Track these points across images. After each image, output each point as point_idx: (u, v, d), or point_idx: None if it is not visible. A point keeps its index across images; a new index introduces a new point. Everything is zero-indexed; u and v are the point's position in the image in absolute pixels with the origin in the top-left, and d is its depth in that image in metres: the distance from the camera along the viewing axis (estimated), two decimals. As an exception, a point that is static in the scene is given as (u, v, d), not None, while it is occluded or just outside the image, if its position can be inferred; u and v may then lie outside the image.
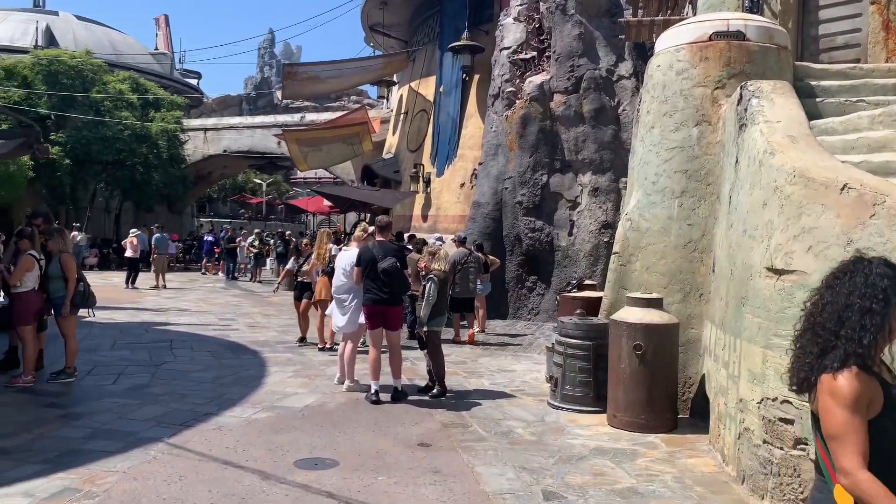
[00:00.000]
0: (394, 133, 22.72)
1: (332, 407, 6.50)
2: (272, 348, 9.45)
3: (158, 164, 27.09)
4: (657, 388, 6.01)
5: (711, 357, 5.87)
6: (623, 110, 13.03)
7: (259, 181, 56.19)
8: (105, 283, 19.00)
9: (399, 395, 6.74)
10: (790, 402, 4.21)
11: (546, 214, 13.29)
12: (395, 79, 23.58)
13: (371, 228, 7.38)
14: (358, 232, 7.39)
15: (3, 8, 34.76)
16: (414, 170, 18.91)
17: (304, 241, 10.75)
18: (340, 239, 14.02)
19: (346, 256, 7.22)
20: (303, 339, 9.92)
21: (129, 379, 7.34)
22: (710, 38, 6.83)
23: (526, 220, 13.33)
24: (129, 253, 18.44)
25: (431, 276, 6.99)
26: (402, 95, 22.18)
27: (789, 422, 4.22)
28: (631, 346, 5.99)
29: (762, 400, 4.44)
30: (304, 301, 9.86)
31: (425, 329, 6.95)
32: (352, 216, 27.86)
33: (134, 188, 26.44)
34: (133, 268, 18.14)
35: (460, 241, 10.97)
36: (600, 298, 7.75)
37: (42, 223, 7.45)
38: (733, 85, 6.52)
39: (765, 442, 4.40)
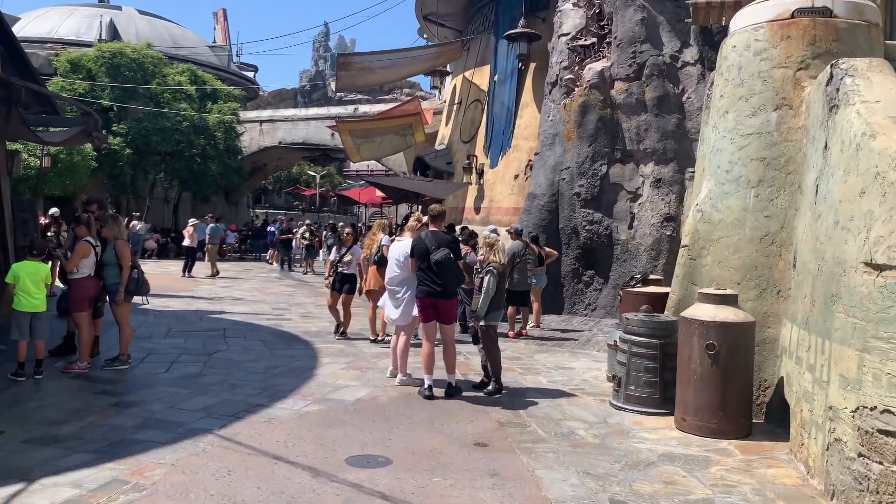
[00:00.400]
0: (447, 124, 22.45)
1: (385, 401, 6.29)
2: (324, 339, 9.32)
3: (215, 155, 27.53)
4: (731, 391, 5.59)
5: (792, 359, 5.42)
6: (688, 98, 12.46)
7: (313, 173, 56.83)
8: (162, 272, 19.36)
9: (453, 391, 6.49)
10: (892, 412, 3.78)
11: (605, 206, 12.83)
12: (448, 69, 23.30)
13: (425, 218, 7.13)
14: (412, 222, 7.15)
15: (71, 3, 35.80)
16: (467, 161, 18.61)
17: (346, 230, 10.31)
18: (392, 230, 13.90)
19: (400, 247, 6.99)
20: (342, 332, 9.51)
21: (182, 367, 7.29)
22: (792, 16, 6.33)
23: (584, 213, 12.90)
24: (186, 242, 18.73)
25: (490, 268, 6.70)
26: (455, 85, 21.89)
27: (891, 434, 3.79)
28: (703, 346, 5.59)
29: (858, 408, 4.01)
30: (345, 294, 9.48)
31: (482, 324, 6.67)
32: (403, 208, 27.79)
33: (192, 178, 26.94)
34: (190, 256, 18.41)
35: (516, 233, 10.64)
36: (666, 294, 7.33)
37: (97, 209, 7.44)
38: (818, 66, 6.02)
39: (860, 455, 3.97)
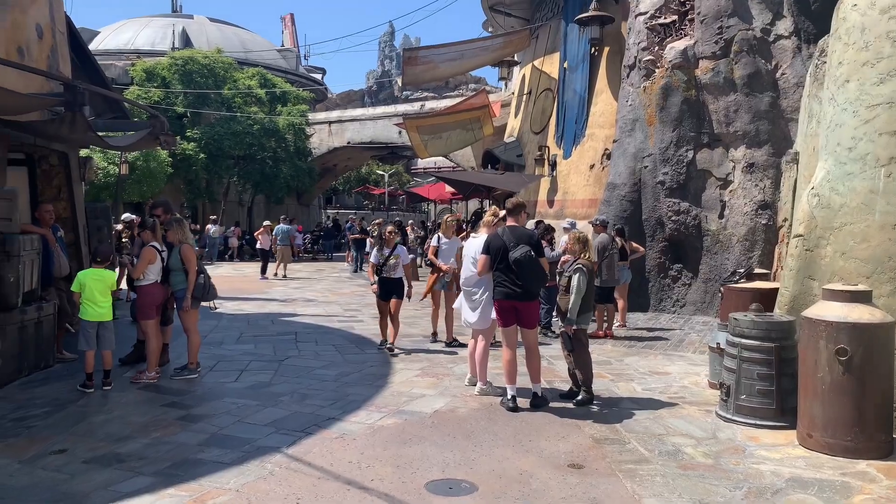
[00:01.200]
0: (516, 115, 21.77)
1: (464, 413, 5.77)
2: (400, 342, 8.89)
3: (286, 158, 27.75)
4: (867, 403, 4.80)
5: (945, 366, 4.59)
6: (782, 74, 11.41)
7: (381, 172, 57.05)
8: (237, 274, 19.51)
9: (539, 402, 5.91)
10: None
11: (692, 195, 11.93)
12: (516, 59, 22.61)
13: (502, 212, 6.56)
14: (487, 217, 6.58)
15: (146, 15, 36.93)
16: (539, 153, 17.92)
17: (388, 228, 8.82)
18: (462, 227, 13.34)
19: (475, 244, 6.44)
20: (388, 347, 8.28)
21: (252, 376, 6.98)
22: (927, -36, 5.44)
23: (669, 202, 12.03)
24: (260, 244, 18.77)
25: (579, 265, 6.09)
26: (524, 75, 21.18)
27: None
28: (832, 351, 4.82)
29: None
30: (394, 300, 8.25)
31: (574, 327, 6.07)
32: (473, 204, 27.27)
33: (264, 181, 27.24)
34: (265, 259, 18.44)
35: (602, 226, 9.94)
36: (775, 290, 6.53)
37: (162, 213, 7.22)
38: (962, 20, 5.13)
39: None
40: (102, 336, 6.31)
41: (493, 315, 6.23)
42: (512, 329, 6.01)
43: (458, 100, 27.44)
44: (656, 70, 12.45)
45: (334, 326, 10.19)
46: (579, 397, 6.08)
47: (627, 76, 13.37)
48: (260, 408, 5.80)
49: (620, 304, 10.30)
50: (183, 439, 4.96)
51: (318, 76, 40.37)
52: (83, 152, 11.21)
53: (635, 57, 13.05)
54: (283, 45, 42.66)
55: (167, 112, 25.70)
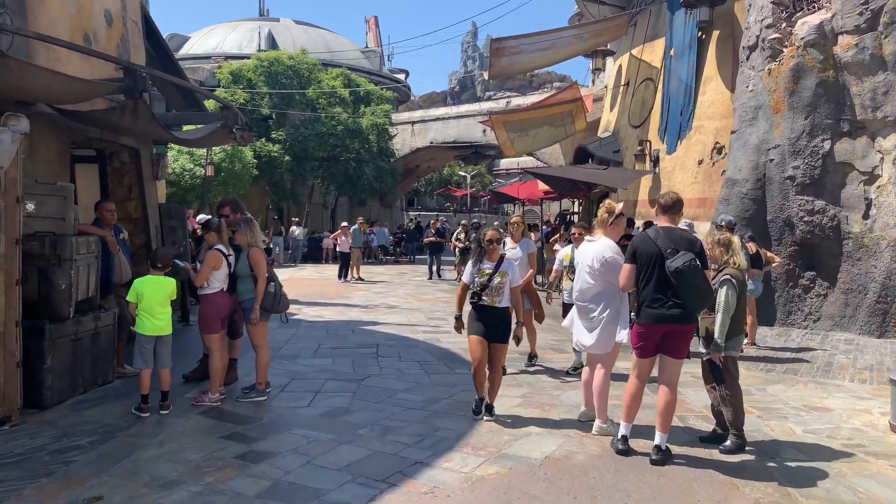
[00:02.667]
0: (611, 109, 20.33)
1: (583, 461, 4.62)
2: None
3: (369, 159, 27.25)
4: None
5: None
6: (944, 48, 9.63)
7: (463, 173, 56.26)
8: (318, 276, 18.97)
9: (663, 458, 4.56)
10: None
11: (829, 192, 10.29)
12: (609, 48, 21.14)
13: (619, 207, 5.36)
14: (602, 214, 5.37)
15: (234, 20, 37.44)
16: (639, 148, 16.44)
17: (489, 234, 5.75)
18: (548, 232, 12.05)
19: (592, 250, 5.27)
20: (487, 407, 5.69)
21: (327, 399, 6.06)
22: None
23: (800, 200, 10.43)
24: (341, 247, 18.11)
25: (726, 276, 4.84)
26: (620, 66, 19.72)
27: None
28: None
29: None
30: (498, 346, 5.51)
31: (722, 354, 4.82)
32: (564, 205, 25.83)
33: (347, 182, 26.82)
34: (344, 262, 17.82)
35: (728, 228, 8.53)
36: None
37: (230, 212, 6.42)
38: None
39: None
40: (160, 352, 5.54)
41: (620, 338, 5.05)
42: (650, 361, 4.78)
43: (543, 97, 26.19)
44: (784, 49, 10.87)
45: (418, 338, 9.21)
46: (727, 443, 4.81)
47: (747, 58, 11.82)
48: (334, 444, 4.84)
49: (749, 320, 8.86)
50: (239, 488, 4.05)
51: (400, 77, 39.90)
52: (161, 150, 10.69)
53: (757, 36, 11.49)
54: (366, 47, 42.46)
55: (252, 114, 25.68)
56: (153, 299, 5.49)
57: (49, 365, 5.47)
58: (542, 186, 13.65)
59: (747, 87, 11.60)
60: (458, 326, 5.78)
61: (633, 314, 5.03)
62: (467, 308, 5.67)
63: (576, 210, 25.54)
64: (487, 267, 5.53)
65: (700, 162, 14.77)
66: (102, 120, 6.55)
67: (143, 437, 4.95)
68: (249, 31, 33.88)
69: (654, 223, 4.71)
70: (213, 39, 34.31)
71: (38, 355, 5.41)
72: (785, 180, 10.62)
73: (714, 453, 4.77)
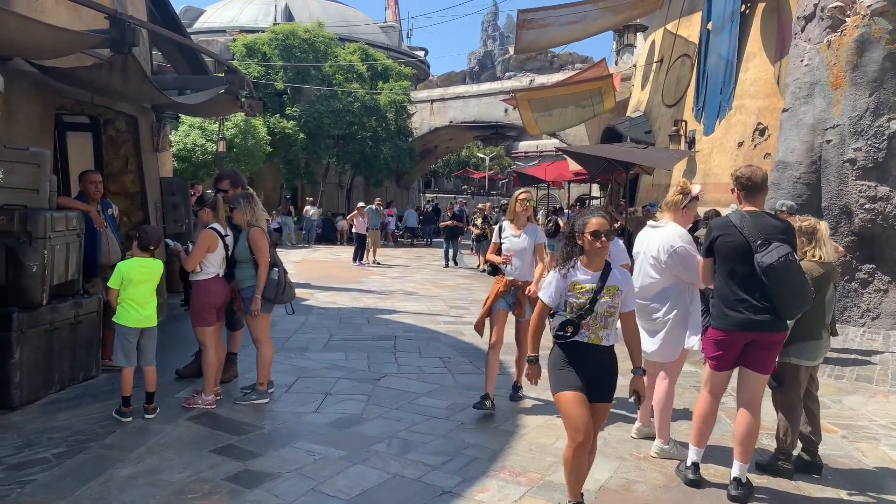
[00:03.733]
0: (643, 87, 19.29)
1: (644, 492, 3.81)
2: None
3: (387, 137, 26.39)
4: None
5: None
6: None
7: (482, 155, 55.22)
8: (333, 259, 18.22)
9: (742, 496, 3.72)
10: None
11: (894, 177, 9.32)
12: (641, 23, 20.05)
13: (696, 189, 4.49)
14: (673, 195, 4.49)
15: (250, -7, 36.44)
16: (674, 128, 15.43)
17: (594, 221, 3.42)
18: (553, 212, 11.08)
19: (658, 237, 4.38)
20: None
21: (338, 403, 5.29)
22: None
23: (861, 186, 9.46)
24: (357, 228, 17.23)
25: (807, 266, 4.00)
26: (653, 42, 18.65)
27: None
28: None
29: None
30: (599, 408, 3.55)
31: (790, 360, 4.01)
32: (574, 190, 24.88)
33: (363, 161, 25.97)
34: (360, 244, 17.00)
35: (789, 214, 7.63)
36: None
37: (229, 186, 5.62)
38: None
39: None
40: (144, 347, 4.77)
41: (690, 343, 4.22)
42: (727, 375, 3.94)
43: (567, 76, 25.12)
44: (847, 19, 9.84)
45: (440, 330, 8.41)
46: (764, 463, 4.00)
47: (802, 30, 10.79)
48: (345, 464, 4.06)
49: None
50: (227, 524, 3.29)
51: (420, 54, 38.84)
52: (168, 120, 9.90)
53: (815, 5, 10.45)
54: (385, 23, 41.38)
55: (267, 89, 24.85)
56: (140, 286, 4.72)
57: (17, 359, 4.73)
58: (574, 167, 12.73)
59: (802, 61, 10.59)
60: (535, 374, 3.64)
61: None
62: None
63: (595, 195, 24.46)
64: (586, 279, 3.37)
65: (740, 144, 13.82)
66: (88, 79, 5.76)
67: (119, 449, 4.20)
68: (266, 5, 32.91)
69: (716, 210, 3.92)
70: (229, 13, 33.42)
71: (4, 348, 4.67)
72: (844, 163, 9.65)
73: (802, 485, 3.95)
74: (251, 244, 5.05)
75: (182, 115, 22.36)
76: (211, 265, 5.04)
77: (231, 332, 5.73)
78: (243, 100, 8.66)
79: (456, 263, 17.29)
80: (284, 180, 26.79)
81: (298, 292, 11.34)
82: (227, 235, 5.15)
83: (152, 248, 4.88)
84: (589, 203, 19.03)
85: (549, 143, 52.30)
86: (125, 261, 4.86)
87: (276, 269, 5.13)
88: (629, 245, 5.68)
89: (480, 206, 16.93)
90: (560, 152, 11.16)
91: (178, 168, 21.56)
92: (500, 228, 5.49)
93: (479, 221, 16.84)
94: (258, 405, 5.12)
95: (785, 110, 10.78)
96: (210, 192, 5.91)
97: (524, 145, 55.10)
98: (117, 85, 5.88)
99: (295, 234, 22.87)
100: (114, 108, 7.40)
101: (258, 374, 5.23)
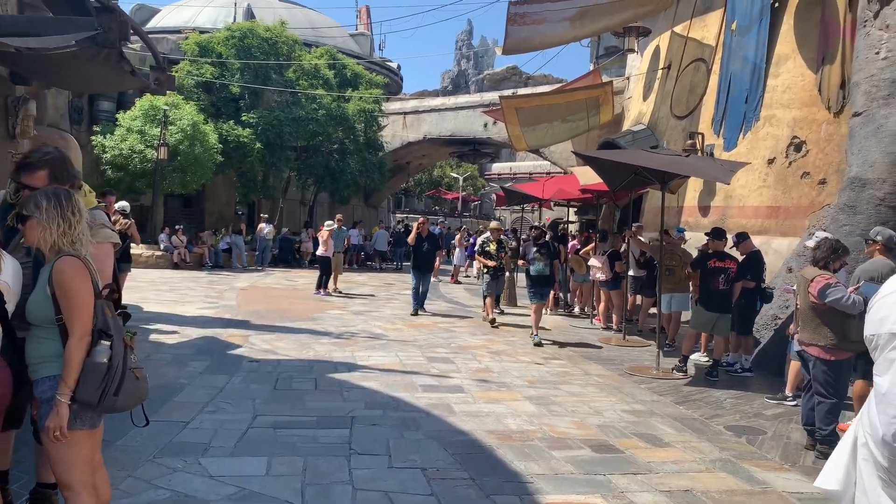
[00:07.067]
0: (644, 98, 17.17)
1: None
2: (546, 460, 4.50)
3: (355, 150, 23.86)
4: None
5: None
6: None
7: (455, 175, 53.01)
8: (287, 286, 15.55)
9: None
10: None
11: None
12: (643, 26, 17.97)
13: None
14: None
15: (211, -6, 33.86)
16: (689, 142, 13.22)
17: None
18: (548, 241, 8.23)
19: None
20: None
21: None
22: None
23: (972, 211, 7.27)
24: (320, 250, 14.48)
25: None
26: (658, 47, 16.57)
27: None
28: None
29: None
30: None
31: None
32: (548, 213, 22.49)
33: (328, 176, 23.32)
34: (325, 269, 14.25)
35: (885, 245, 5.43)
36: None
37: (46, 181, 3.00)
38: None
39: None
40: None
41: None
42: None
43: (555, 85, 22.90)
44: (943, -3, 7.71)
45: (418, 404, 5.86)
46: None
47: (875, 16, 8.64)
48: None
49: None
50: None
51: (392, 65, 36.53)
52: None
53: (893, -16, 8.33)
54: (357, 31, 39.05)
55: (221, 92, 22.21)
56: None
57: None
58: (587, 181, 10.37)
59: (878, 53, 8.42)
60: None
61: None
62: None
63: (570, 219, 21.80)
64: None
65: (771, 161, 11.66)
66: None
67: None
68: (227, 7, 30.31)
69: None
70: (186, 13, 30.76)
71: None
72: (944, 182, 7.45)
73: None
74: (55, 289, 2.49)
75: (119, 118, 19.72)
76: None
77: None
78: (152, 75, 6.16)
79: (423, 307, 11.97)
80: (239, 194, 24.05)
81: (230, 334, 8.85)
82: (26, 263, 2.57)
83: None
84: (565, 229, 16.52)
85: (523, 165, 50.40)
86: None
87: (105, 345, 2.54)
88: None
89: (494, 224, 11.88)
90: (576, 155, 8.75)
91: (112, 178, 18.79)
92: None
93: (492, 247, 11.16)
94: None
95: (857, 114, 8.56)
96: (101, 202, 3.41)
97: (498, 167, 53.09)
98: None
99: (247, 255, 20.08)
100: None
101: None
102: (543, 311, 11.12)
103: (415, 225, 12.33)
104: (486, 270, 11.11)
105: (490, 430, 5.11)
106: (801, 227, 10.60)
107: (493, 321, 10.65)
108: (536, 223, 19.68)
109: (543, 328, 10.08)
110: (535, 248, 9.53)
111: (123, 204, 8.95)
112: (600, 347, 9.34)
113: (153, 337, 8.33)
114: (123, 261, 8.77)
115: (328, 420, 5.21)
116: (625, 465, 4.48)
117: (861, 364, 5.01)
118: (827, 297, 4.79)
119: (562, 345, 9.31)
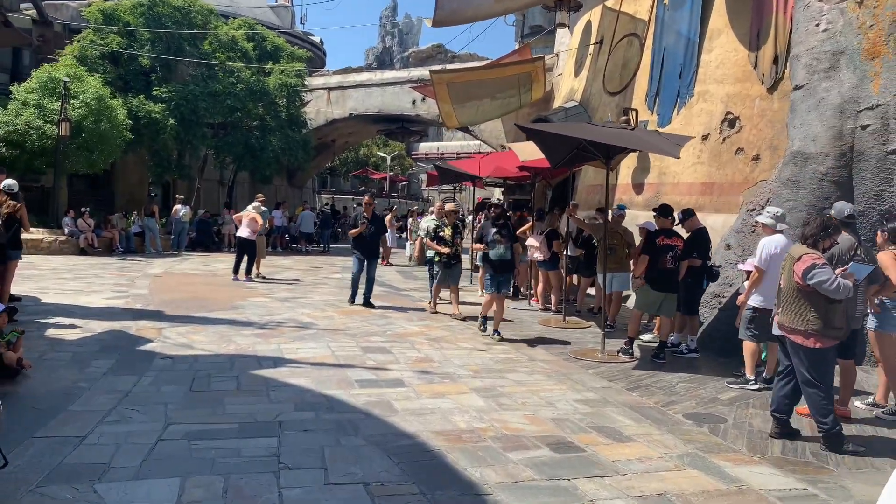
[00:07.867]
0: (576, 74, 16.91)
1: None
2: (498, 461, 4.03)
3: (276, 127, 22.73)
4: None
5: None
6: None
7: (383, 154, 52.02)
8: (205, 271, 14.56)
9: None
10: None
11: (956, 174, 7.13)
12: (573, 1, 17.72)
13: None
14: None
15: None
16: (623, 118, 13.00)
17: None
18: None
19: None
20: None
21: None
22: None
23: (913, 185, 7.22)
24: (242, 232, 13.25)
25: None
26: (589, 21, 16.32)
27: None
28: None
29: None
30: None
31: None
32: (474, 193, 22.24)
33: (248, 154, 22.12)
34: (247, 252, 13.28)
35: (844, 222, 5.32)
36: None
37: None
38: None
39: None
40: None
41: None
42: None
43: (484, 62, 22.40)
44: (884, -31, 7.59)
45: (355, 403, 5.28)
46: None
47: (816, -13, 8.50)
48: None
49: (882, 380, 5.59)
50: None
51: (315, 39, 35.18)
52: None
53: (834, -47, 8.18)
54: (277, 2, 37.36)
55: (130, 65, 20.63)
56: None
57: None
58: (528, 157, 9.91)
59: (818, 25, 8.28)
60: None
61: None
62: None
63: (499, 198, 21.46)
64: None
65: (705, 137, 11.55)
66: None
67: None
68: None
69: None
70: (89, -20, 28.49)
71: None
72: (884, 155, 7.38)
73: None
74: None
75: (13, 90, 17.99)
76: None
77: None
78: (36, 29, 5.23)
79: (370, 303, 10.43)
80: (152, 175, 22.57)
81: (141, 326, 7.96)
82: None
83: None
84: (491, 208, 16.04)
85: (451, 146, 49.87)
86: None
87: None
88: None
89: (451, 207, 10.31)
90: (518, 128, 8.21)
91: (7, 156, 17.11)
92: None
93: (447, 233, 9.70)
94: None
95: (797, 87, 8.42)
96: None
97: (425, 147, 52.37)
98: None
99: (161, 239, 18.81)
100: None
101: None
102: (538, 305, 11.00)
103: (362, 215, 10.97)
104: (437, 258, 9.75)
105: (437, 431, 4.60)
106: (735, 203, 10.54)
107: (445, 313, 9.90)
108: (496, 201, 19.12)
109: (465, 304, 9.52)
110: (494, 230, 8.26)
111: (10, 182, 7.89)
112: (540, 329, 8.98)
113: (51, 332, 7.39)
114: (12, 247, 7.76)
115: (252, 427, 4.56)
116: (589, 466, 4.06)
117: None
118: (811, 279, 4.49)
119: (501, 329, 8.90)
